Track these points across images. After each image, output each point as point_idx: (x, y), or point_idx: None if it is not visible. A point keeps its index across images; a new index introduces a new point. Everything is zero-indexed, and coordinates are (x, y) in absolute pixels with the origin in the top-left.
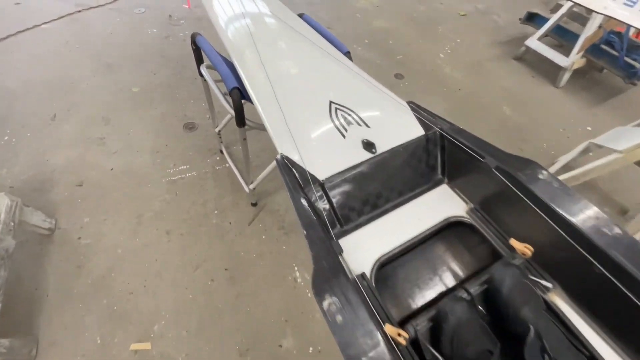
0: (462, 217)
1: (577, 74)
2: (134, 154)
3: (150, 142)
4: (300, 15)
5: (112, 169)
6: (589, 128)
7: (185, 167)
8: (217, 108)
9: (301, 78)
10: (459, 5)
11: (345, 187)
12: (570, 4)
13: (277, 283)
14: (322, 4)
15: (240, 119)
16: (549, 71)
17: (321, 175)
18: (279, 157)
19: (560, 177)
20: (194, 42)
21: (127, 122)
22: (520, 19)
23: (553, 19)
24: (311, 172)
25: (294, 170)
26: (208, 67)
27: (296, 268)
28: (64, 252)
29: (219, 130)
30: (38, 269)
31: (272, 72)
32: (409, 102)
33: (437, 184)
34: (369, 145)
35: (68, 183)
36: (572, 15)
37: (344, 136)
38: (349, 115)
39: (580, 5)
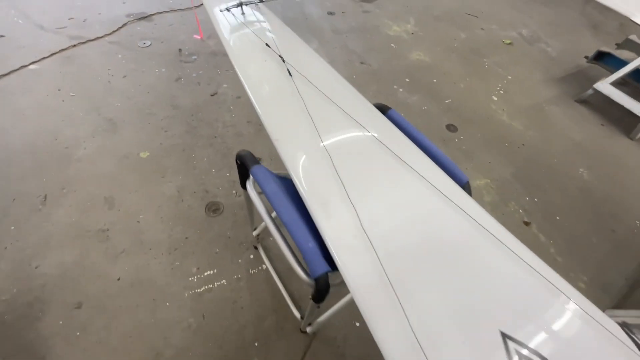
0: None
1: None
2: (145, 253)
3: (165, 234)
4: (384, 111)
5: (118, 279)
6: None
7: (211, 272)
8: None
9: (427, 258)
10: (502, 32)
11: None
12: None
13: None
14: (350, 32)
15: (321, 299)
16: (619, 118)
17: None
18: None
19: None
20: (239, 159)
21: (135, 205)
22: (586, 58)
23: (633, 64)
24: None
25: None
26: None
27: None
28: None
29: (258, 234)
30: None
31: (374, 234)
32: (614, 317)
33: None
34: None
35: (63, 304)
36: None
37: None
38: None
39: None
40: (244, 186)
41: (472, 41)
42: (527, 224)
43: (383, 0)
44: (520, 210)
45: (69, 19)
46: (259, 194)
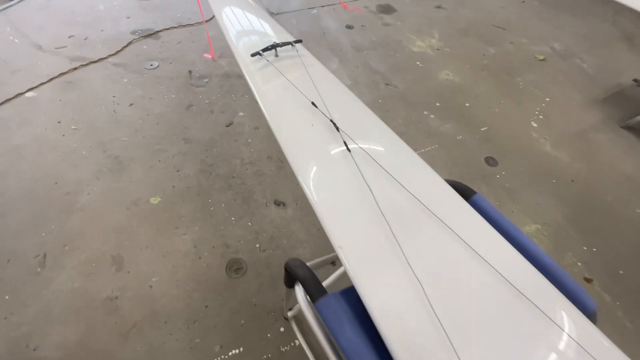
0: None
1: None
2: (160, 327)
3: (182, 302)
4: (467, 196)
5: None
6: None
7: (237, 351)
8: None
9: None
10: (533, 46)
11: None
12: None
13: None
14: (372, 48)
15: None
16: None
17: None
18: None
19: None
20: (292, 273)
21: (147, 265)
22: (635, 81)
23: None
24: None
25: None
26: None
27: None
28: None
29: (292, 316)
30: None
31: None
32: None
33: None
34: None
35: None
36: None
37: None
38: None
39: None
40: (290, 285)
41: (502, 57)
42: (589, 280)
43: (404, 12)
44: (579, 263)
45: (69, 37)
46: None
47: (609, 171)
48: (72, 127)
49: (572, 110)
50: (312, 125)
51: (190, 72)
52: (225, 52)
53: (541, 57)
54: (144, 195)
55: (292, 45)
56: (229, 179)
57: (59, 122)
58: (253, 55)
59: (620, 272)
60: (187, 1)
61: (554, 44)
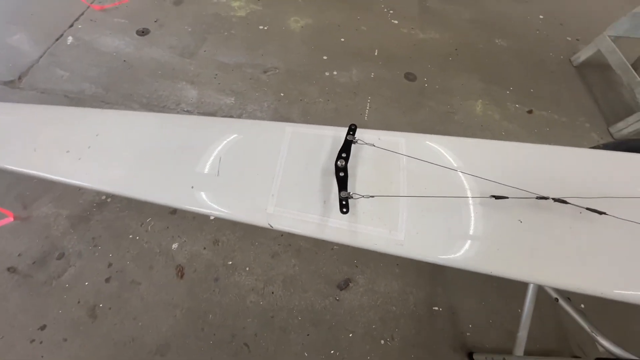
0: None
1: None
2: None
3: None
4: None
5: None
6: None
7: None
8: None
9: None
10: None
11: None
12: None
13: None
14: (202, 40)
15: None
16: None
17: None
18: None
19: None
20: None
21: None
22: None
23: None
24: None
25: None
26: None
27: None
28: None
29: None
30: None
31: None
32: None
33: None
34: None
35: None
36: None
37: None
38: None
39: None
40: None
41: None
42: (530, 112)
43: None
44: (517, 105)
45: None
46: None
47: (458, 24)
48: None
49: None
50: (521, 221)
51: (11, 270)
52: (26, 189)
53: None
54: None
55: (352, 140)
56: (268, 321)
57: None
58: (345, 210)
59: (531, 90)
60: None
61: None
